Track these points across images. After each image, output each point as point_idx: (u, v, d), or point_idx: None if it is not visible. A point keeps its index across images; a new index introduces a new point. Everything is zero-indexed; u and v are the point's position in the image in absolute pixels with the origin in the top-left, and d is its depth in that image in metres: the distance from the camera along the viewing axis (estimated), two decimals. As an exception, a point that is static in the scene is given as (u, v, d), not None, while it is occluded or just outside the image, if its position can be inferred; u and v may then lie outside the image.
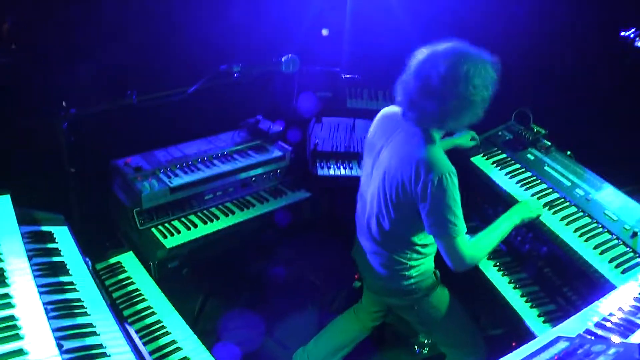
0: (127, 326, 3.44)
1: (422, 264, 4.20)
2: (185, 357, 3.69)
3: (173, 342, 3.80)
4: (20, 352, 2.73)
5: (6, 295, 3.08)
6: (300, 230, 6.17)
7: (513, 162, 5.21)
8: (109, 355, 3.01)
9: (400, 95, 3.84)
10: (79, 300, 3.36)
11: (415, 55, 3.77)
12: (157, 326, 3.92)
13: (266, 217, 5.72)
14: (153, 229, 5.21)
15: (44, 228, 3.99)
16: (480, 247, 3.92)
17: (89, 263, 3.77)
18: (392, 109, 4.18)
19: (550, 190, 4.83)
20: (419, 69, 3.69)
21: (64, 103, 4.15)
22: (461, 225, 3.74)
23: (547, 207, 4.62)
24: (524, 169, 5.10)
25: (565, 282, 4.52)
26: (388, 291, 4.35)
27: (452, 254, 3.79)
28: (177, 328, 3.92)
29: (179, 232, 5.20)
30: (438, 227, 3.73)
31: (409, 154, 3.76)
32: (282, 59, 4.73)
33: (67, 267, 3.65)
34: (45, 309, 3.07)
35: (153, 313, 4.03)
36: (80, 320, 3.19)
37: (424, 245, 4.13)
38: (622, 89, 5.36)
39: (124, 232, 5.30)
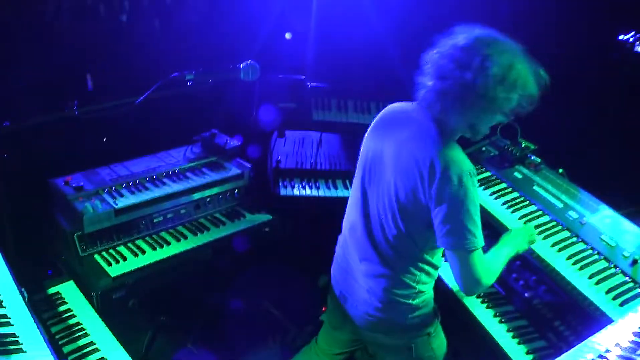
0: (68, 364, 3.43)
1: (427, 292, 4.08)
2: (133, 398, 3.70)
3: (119, 382, 3.80)
4: (-53, 393, 2.72)
5: None
6: (261, 257, 6.13)
7: (499, 181, 5.26)
8: (47, 397, 3.01)
9: (423, 82, 3.66)
10: (13, 335, 3.33)
11: (451, 36, 3.62)
12: (101, 364, 3.90)
13: (222, 243, 5.69)
14: (96, 256, 5.18)
15: (-27, 255, 3.97)
16: (492, 269, 3.81)
17: (25, 294, 3.75)
18: (398, 105, 4.02)
19: (540, 212, 4.86)
20: (450, 54, 3.53)
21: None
22: (480, 237, 3.60)
23: (537, 231, 4.61)
24: (510, 189, 5.14)
25: (556, 316, 4.52)
26: (385, 327, 4.14)
27: (467, 272, 3.63)
28: (123, 366, 3.90)
29: (125, 259, 5.18)
30: (454, 236, 3.56)
31: (422, 151, 3.60)
32: (241, 66, 4.75)
33: (0, 298, 3.63)
34: (-24, 345, 3.06)
35: (96, 350, 4.01)
36: (14, 358, 3.17)
37: (434, 266, 4.01)
38: (621, 99, 5.38)
39: (64, 259, 5.25)
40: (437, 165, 3.50)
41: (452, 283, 4.96)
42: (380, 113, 4.09)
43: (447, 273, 5.00)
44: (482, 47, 3.46)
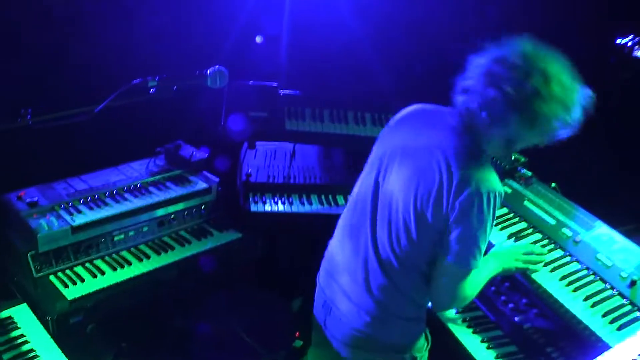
0: (20, 394, 3.40)
1: (422, 311, 4.09)
2: None
3: (76, 413, 3.76)
4: None
5: None
6: (230, 278, 6.10)
7: (486, 195, 5.22)
8: None
9: (467, 87, 3.68)
10: (-40, 362, 3.32)
11: (501, 46, 3.62)
12: (57, 394, 3.87)
13: (188, 263, 5.67)
14: (52, 277, 5.14)
15: None
16: (475, 286, 3.89)
17: (-26, 318, 3.73)
18: (429, 106, 4.02)
19: (531, 230, 4.85)
20: (504, 64, 3.53)
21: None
22: (481, 259, 3.69)
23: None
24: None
25: (549, 341, 4.50)
26: (371, 344, 4.06)
27: (454, 287, 3.72)
28: (81, 396, 3.87)
29: (83, 280, 5.14)
30: (462, 251, 3.62)
31: (453, 161, 3.62)
32: (208, 72, 4.73)
33: (-53, 322, 3.61)
34: None
35: (51, 378, 3.98)
36: (-38, 386, 3.15)
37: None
38: (618, 107, 5.37)
39: (17, 281, 5.22)
40: (468, 180, 3.54)
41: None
42: (407, 109, 4.07)
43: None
44: (539, 61, 3.49)
